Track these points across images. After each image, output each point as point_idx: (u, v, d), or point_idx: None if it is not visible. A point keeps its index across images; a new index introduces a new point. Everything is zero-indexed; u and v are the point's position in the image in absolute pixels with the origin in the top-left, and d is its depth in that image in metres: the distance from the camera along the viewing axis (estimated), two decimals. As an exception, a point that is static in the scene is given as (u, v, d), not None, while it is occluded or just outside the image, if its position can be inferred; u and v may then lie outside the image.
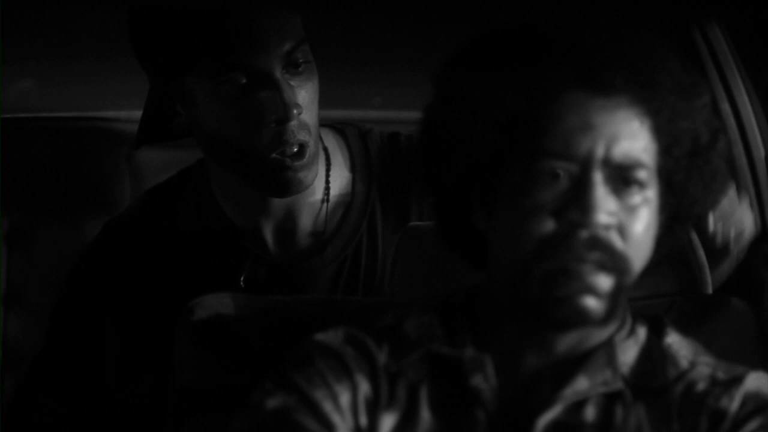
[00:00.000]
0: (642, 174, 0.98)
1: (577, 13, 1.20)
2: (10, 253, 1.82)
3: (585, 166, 0.97)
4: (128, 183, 1.79)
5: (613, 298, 0.97)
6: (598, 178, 0.96)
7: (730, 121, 1.48)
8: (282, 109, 1.27)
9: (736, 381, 0.99)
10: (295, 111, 1.27)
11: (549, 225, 0.96)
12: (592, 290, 0.96)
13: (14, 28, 1.37)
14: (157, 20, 1.29)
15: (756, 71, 1.47)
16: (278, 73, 1.27)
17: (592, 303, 0.96)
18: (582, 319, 0.96)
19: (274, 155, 1.29)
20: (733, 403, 0.97)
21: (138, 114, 1.49)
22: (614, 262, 0.97)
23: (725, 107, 1.48)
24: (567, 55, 1.00)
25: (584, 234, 0.95)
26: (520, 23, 1.06)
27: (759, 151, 1.47)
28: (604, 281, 0.97)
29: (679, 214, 1.06)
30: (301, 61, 1.29)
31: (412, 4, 1.25)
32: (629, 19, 1.21)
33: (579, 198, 0.96)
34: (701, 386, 0.99)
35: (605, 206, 0.96)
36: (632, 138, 0.98)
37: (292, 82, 1.28)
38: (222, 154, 1.34)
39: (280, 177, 1.31)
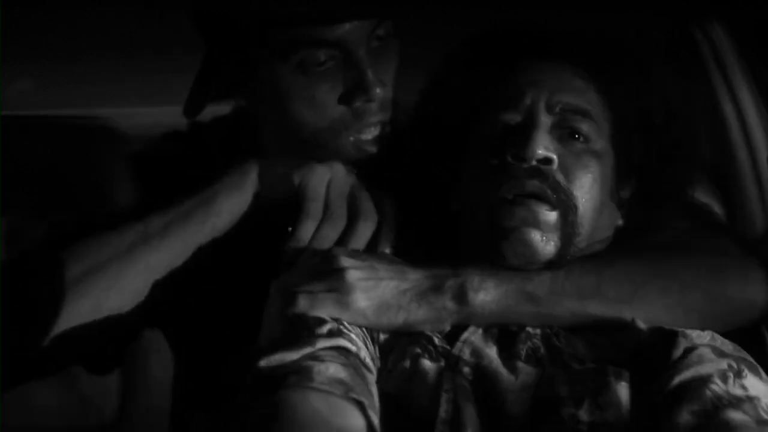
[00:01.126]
0: (587, 126, 1.07)
1: (578, 14, 1.20)
2: (10, 253, 1.82)
3: (530, 112, 1.07)
4: (129, 184, 1.79)
5: (562, 237, 1.04)
6: (540, 120, 1.06)
7: (733, 121, 1.47)
8: (365, 89, 1.18)
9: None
10: (378, 90, 1.19)
11: (493, 161, 1.06)
12: (535, 223, 1.03)
13: (14, 28, 1.37)
14: None
15: (759, 72, 1.46)
16: (362, 50, 1.18)
17: (537, 236, 1.02)
18: (530, 252, 1.03)
19: (351, 137, 1.22)
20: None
21: (139, 112, 1.48)
22: (557, 194, 1.03)
23: (728, 108, 1.47)
24: (522, 31, 1.14)
25: (524, 165, 1.04)
26: (499, 26, 1.17)
27: (762, 152, 1.47)
28: (548, 215, 1.03)
29: (643, 190, 1.13)
30: (383, 34, 1.21)
31: (411, 4, 1.25)
32: (630, 19, 1.21)
33: (520, 136, 1.05)
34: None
35: (543, 142, 1.04)
36: (576, 92, 1.08)
37: (373, 59, 1.19)
38: (287, 135, 1.24)
39: (356, 158, 1.23)
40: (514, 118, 1.08)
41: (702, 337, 1.00)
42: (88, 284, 1.13)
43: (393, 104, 1.24)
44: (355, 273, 1.02)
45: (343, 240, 1.14)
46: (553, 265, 1.04)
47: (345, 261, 1.04)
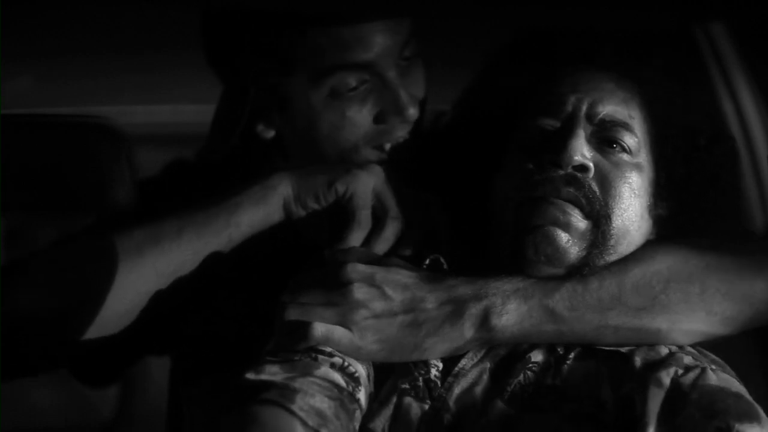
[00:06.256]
0: (628, 138, 1.05)
1: (579, 14, 1.20)
2: (9, 254, 1.82)
3: (569, 119, 1.05)
4: (128, 183, 1.79)
5: (590, 246, 1.02)
6: (579, 128, 1.04)
7: (733, 121, 1.47)
8: (400, 110, 1.19)
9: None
10: (412, 110, 1.19)
11: (528, 164, 1.05)
12: (565, 226, 1.01)
13: (14, 26, 1.37)
14: (253, 18, 1.17)
15: (759, 72, 1.47)
16: (392, 72, 1.18)
17: (562, 236, 1.01)
18: (552, 250, 1.00)
19: (371, 148, 1.21)
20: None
21: (138, 110, 1.47)
22: (590, 202, 1.02)
23: (728, 108, 1.47)
24: (565, 37, 1.12)
25: (560, 172, 1.02)
26: (531, 33, 1.16)
27: (762, 152, 1.47)
28: (580, 221, 1.02)
29: (683, 209, 1.10)
30: (409, 55, 1.21)
31: (413, 4, 1.25)
32: (631, 19, 1.21)
33: (557, 142, 1.04)
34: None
35: (580, 149, 1.03)
36: (618, 104, 1.06)
37: (403, 79, 1.20)
38: (315, 158, 1.22)
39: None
40: (554, 124, 1.06)
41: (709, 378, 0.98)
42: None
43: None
44: (365, 311, 0.99)
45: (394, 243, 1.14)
46: (574, 271, 1.02)
47: (359, 292, 0.99)
